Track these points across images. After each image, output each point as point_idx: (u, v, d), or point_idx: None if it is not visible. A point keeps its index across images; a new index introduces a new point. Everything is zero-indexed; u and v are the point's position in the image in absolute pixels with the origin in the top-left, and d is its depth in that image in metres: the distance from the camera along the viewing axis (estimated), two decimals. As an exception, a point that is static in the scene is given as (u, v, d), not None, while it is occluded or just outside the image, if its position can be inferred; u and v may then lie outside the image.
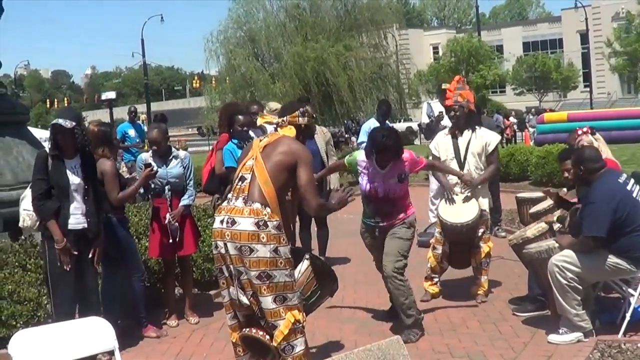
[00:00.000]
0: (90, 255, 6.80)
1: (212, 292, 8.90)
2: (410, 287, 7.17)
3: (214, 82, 47.77)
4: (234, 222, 5.30)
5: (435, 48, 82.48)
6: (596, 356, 6.03)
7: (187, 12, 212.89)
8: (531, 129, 39.00)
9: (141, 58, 62.31)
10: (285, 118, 5.75)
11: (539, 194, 10.90)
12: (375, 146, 7.03)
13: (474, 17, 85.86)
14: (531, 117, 43.32)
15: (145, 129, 14.86)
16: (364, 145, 11.96)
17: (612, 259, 6.52)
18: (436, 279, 8.43)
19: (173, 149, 8.12)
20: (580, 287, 6.53)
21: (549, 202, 8.84)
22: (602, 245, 6.51)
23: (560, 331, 6.62)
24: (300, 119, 5.76)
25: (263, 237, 5.24)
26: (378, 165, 7.13)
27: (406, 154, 7.25)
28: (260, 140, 5.66)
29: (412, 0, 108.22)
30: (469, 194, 8.19)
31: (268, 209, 5.30)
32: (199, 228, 8.51)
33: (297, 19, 39.85)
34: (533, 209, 9.26)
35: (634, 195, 6.63)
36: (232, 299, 5.54)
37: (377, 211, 7.27)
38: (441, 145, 8.58)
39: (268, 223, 5.27)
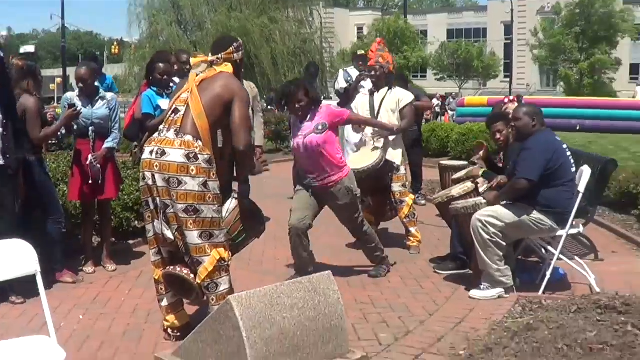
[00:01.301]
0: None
1: (130, 242, 8.80)
2: (373, 232, 7.62)
3: (133, 48, 47.06)
4: (163, 153, 5.18)
5: (360, 29, 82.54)
6: (518, 310, 6.06)
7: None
8: (451, 112, 39.57)
9: (59, 20, 60.45)
10: (220, 55, 5.59)
11: (462, 162, 11.14)
12: (280, 95, 7.24)
13: (401, 0, 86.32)
14: (451, 100, 44.03)
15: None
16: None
17: (535, 215, 6.57)
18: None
19: (101, 90, 7.90)
20: (503, 243, 6.57)
21: (471, 168, 8.95)
22: (528, 199, 6.57)
23: (482, 287, 6.66)
24: (235, 54, 5.64)
25: (192, 170, 5.13)
26: (296, 116, 7.26)
27: (324, 106, 7.31)
28: (197, 75, 5.52)
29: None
30: (378, 145, 8.44)
31: (200, 142, 5.20)
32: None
33: (221, -12, 39.57)
34: (456, 175, 9.35)
35: (568, 154, 6.72)
36: (156, 233, 5.43)
37: (306, 169, 7.21)
38: (359, 102, 8.95)
39: (199, 156, 5.16)
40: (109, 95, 7.94)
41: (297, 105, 7.06)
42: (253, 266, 7.99)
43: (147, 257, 7.96)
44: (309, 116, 7.11)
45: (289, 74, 36.12)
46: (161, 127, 5.45)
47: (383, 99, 8.67)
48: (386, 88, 8.73)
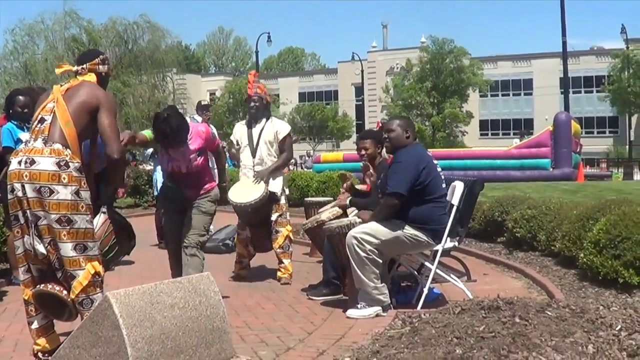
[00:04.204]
0: None
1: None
2: (204, 263, 7.18)
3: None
4: (33, 162, 4.93)
5: (212, 93, 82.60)
6: (398, 323, 5.92)
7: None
8: (307, 170, 39.92)
9: None
10: (85, 65, 5.50)
11: (327, 199, 11.26)
12: (155, 131, 6.77)
13: (251, 66, 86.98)
14: (307, 158, 44.49)
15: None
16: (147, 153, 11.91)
17: (410, 231, 6.52)
18: (245, 262, 8.83)
19: None
20: (380, 260, 6.48)
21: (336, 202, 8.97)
22: (402, 216, 6.51)
23: (359, 305, 6.51)
24: (100, 66, 5.56)
25: (64, 178, 4.92)
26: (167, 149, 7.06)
27: (202, 128, 7.28)
28: (61, 86, 5.36)
29: (192, 47, 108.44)
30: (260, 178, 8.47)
31: (69, 150, 5.02)
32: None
33: (75, 53, 39.42)
34: (321, 210, 9.33)
35: (438, 169, 6.72)
36: (26, 249, 5.10)
37: (182, 184, 7.22)
38: (237, 133, 8.91)
39: (69, 163, 4.97)
40: None
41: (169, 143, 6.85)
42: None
43: (11, 295, 7.64)
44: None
45: (142, 137, 35.95)
46: (26, 138, 5.25)
47: (262, 130, 8.64)
48: (264, 119, 8.70)
